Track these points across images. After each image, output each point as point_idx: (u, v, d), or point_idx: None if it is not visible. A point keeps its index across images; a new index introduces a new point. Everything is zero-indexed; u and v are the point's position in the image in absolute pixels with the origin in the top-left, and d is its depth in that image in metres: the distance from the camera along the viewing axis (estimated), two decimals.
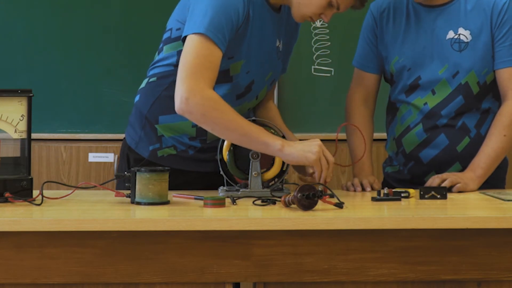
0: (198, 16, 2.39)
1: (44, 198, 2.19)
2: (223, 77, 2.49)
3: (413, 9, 2.69)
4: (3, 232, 1.96)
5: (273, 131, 2.42)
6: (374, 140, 2.82)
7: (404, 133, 2.70)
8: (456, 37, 2.62)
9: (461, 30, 2.62)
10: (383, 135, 2.83)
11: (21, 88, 2.26)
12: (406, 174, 2.73)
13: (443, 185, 2.48)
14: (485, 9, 2.62)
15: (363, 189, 2.56)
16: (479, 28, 2.62)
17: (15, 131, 2.24)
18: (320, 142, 2.36)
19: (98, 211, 2.12)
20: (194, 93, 2.33)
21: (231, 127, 2.35)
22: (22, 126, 2.25)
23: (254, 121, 2.44)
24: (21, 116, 2.25)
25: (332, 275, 2.02)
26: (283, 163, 2.42)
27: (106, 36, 3.88)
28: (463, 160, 2.64)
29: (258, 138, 2.34)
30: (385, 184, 2.75)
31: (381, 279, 2.02)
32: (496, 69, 2.62)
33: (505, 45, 2.61)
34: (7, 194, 2.19)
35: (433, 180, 2.53)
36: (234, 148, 2.41)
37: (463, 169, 2.63)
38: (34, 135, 2.31)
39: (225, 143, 2.41)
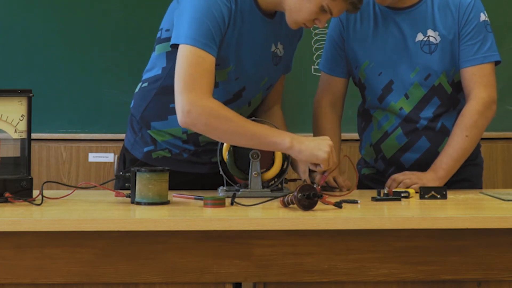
0: (185, 24, 2.37)
1: (44, 198, 2.19)
2: None
3: (380, 11, 2.65)
4: (3, 232, 1.96)
5: None
6: (347, 140, 2.80)
7: (383, 139, 2.68)
8: (425, 39, 2.60)
9: (430, 32, 2.60)
10: (355, 135, 2.79)
11: (21, 88, 2.26)
12: (386, 178, 2.66)
13: (400, 186, 2.48)
14: (452, 8, 2.60)
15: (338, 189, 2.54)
16: (446, 29, 2.60)
17: (15, 131, 2.24)
18: (330, 142, 2.34)
19: (98, 211, 2.12)
20: (193, 105, 2.31)
21: (236, 133, 2.32)
22: (22, 126, 2.25)
23: (254, 121, 2.43)
24: (21, 116, 2.25)
25: (332, 275, 2.02)
26: (283, 163, 2.42)
27: (106, 36, 3.87)
28: None
29: (266, 138, 2.32)
30: (361, 185, 2.73)
31: (381, 279, 2.02)
32: (461, 68, 2.60)
33: (468, 44, 2.59)
34: (7, 194, 2.19)
35: (392, 182, 2.52)
36: (234, 148, 2.40)
37: None
38: (34, 135, 2.31)
39: (225, 143, 2.41)
